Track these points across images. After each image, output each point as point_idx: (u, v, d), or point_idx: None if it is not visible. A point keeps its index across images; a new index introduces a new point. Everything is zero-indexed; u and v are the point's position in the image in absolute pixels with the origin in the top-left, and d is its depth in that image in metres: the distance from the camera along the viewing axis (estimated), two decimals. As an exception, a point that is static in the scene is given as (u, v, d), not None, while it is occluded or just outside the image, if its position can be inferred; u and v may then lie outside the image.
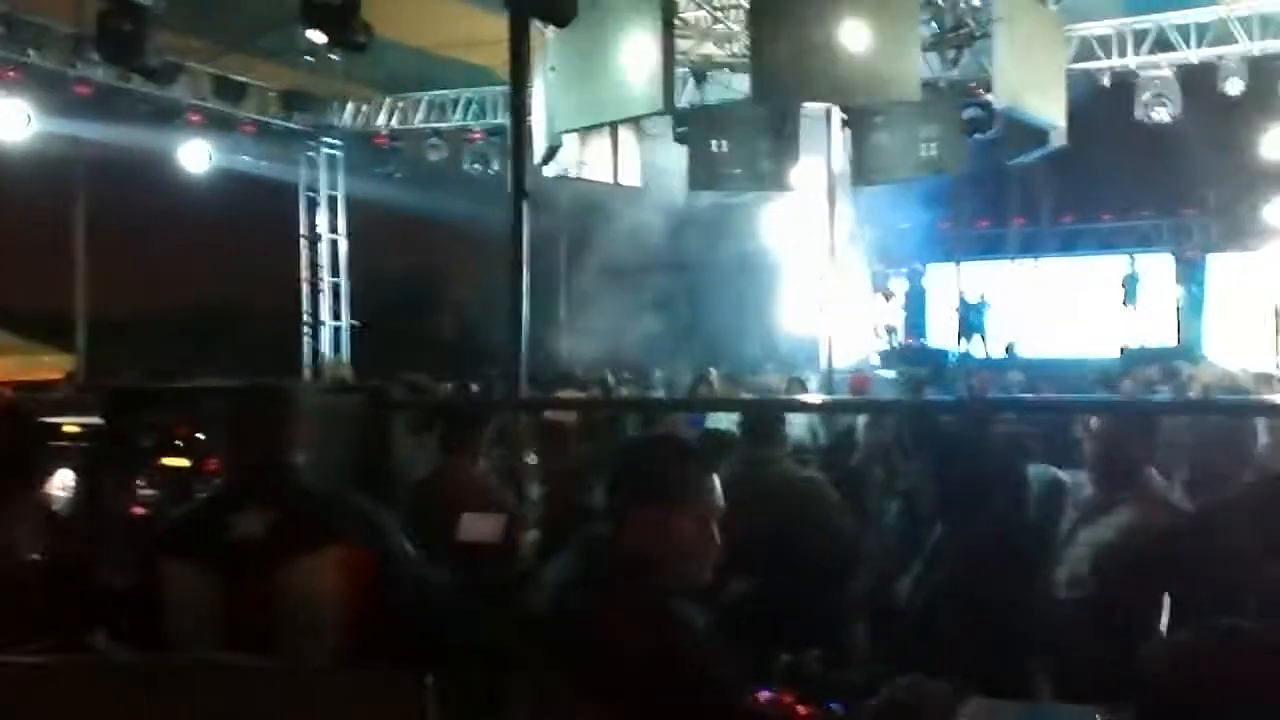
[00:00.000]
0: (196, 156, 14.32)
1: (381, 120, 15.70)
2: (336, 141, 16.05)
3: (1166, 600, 2.79)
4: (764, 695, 3.04)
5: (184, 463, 4.01)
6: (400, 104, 15.59)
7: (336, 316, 16.10)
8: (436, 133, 15.32)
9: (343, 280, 16.18)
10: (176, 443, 4.04)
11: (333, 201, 16.15)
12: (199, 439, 4.02)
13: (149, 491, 3.97)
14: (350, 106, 15.76)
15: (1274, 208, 16.61)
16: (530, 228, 4.91)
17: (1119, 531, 3.33)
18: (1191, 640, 1.70)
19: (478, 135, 14.86)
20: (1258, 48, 12.44)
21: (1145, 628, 2.81)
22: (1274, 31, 12.39)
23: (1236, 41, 12.53)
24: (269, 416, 3.07)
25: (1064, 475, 4.08)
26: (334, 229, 16.16)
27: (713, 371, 15.13)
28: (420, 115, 15.50)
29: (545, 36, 9.83)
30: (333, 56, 14.12)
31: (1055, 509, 4.07)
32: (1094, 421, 3.66)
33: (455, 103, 15.23)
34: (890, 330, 21.75)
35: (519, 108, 5.01)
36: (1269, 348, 18.36)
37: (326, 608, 2.70)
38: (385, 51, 13.09)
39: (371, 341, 16.81)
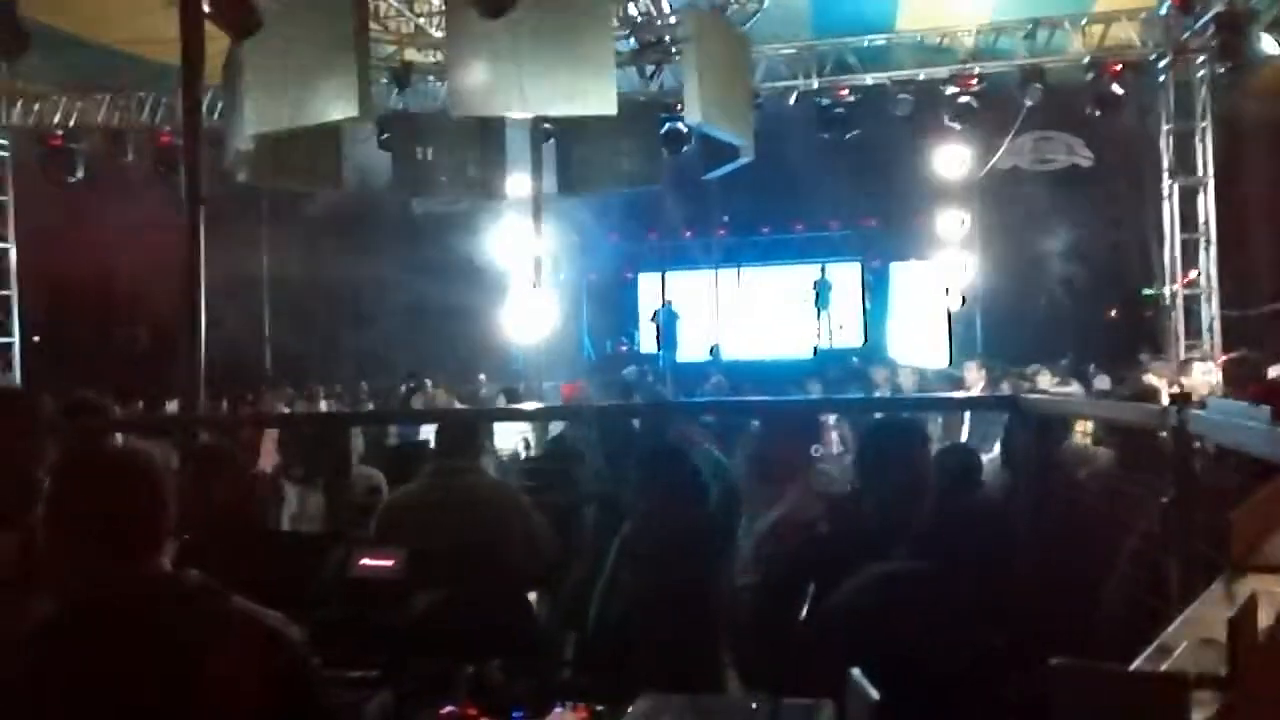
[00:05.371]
0: None
1: (57, 119, 14.51)
2: (2, 141, 14.68)
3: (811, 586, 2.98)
4: (446, 710, 3.03)
5: None
6: (79, 103, 14.45)
7: (6, 332, 14.70)
8: (121, 134, 14.33)
9: (13, 292, 14.80)
10: None
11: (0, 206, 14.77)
12: None
13: None
14: (20, 104, 14.49)
15: (944, 220, 18.12)
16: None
17: (776, 521, 3.56)
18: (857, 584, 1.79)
19: (166, 137, 13.99)
20: (923, 72, 13.58)
21: (796, 610, 3.00)
22: (937, 58, 13.56)
23: (905, 66, 13.64)
24: (13, 425, 2.80)
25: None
26: (1, 237, 14.77)
27: (427, 381, 14.98)
28: (102, 115, 14.43)
29: (234, 35, 9.40)
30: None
31: (732, 506, 4.29)
32: (755, 423, 3.89)
33: (141, 102, 14.29)
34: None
35: (191, 108, 4.74)
36: (942, 347, 20.13)
37: None
38: (62, 47, 12.10)
39: (51, 358, 15.50)
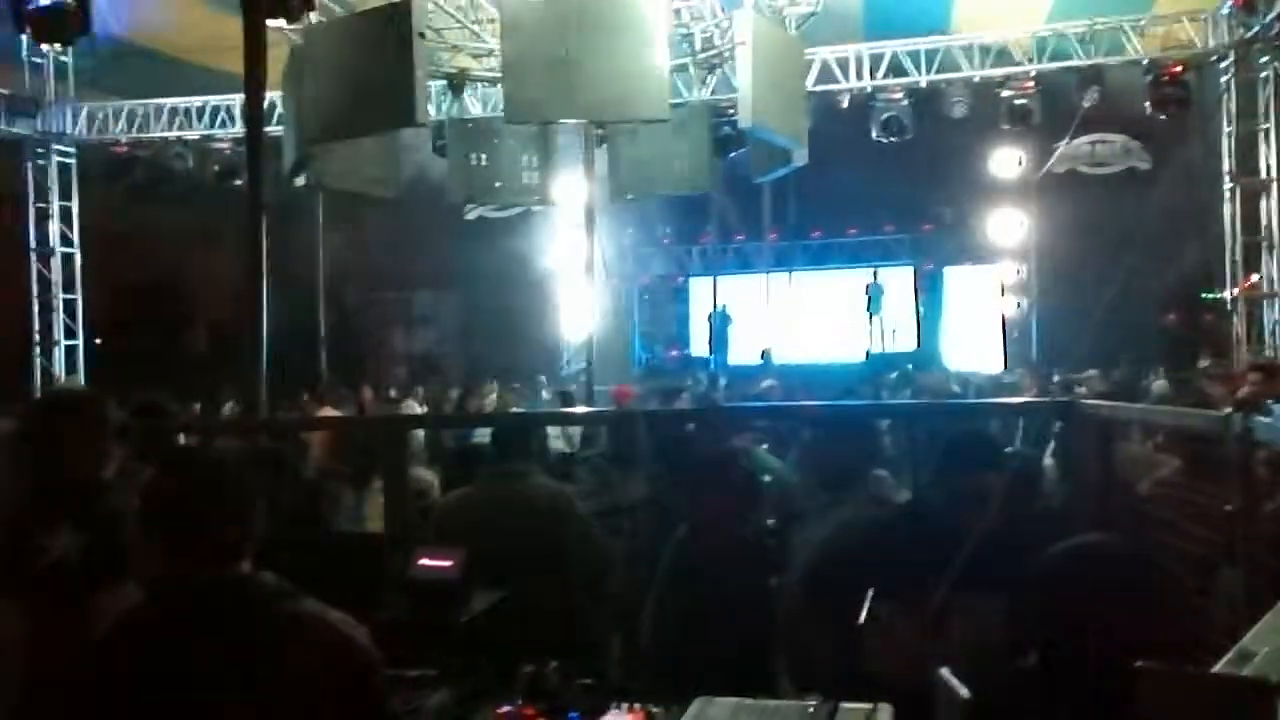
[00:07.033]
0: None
1: (120, 127, 14.82)
2: (69, 149, 15.00)
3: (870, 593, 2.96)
4: (503, 710, 3.05)
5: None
6: (140, 110, 14.75)
7: (71, 335, 15.04)
8: (181, 141, 14.60)
9: (78, 296, 15.13)
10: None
11: (65, 213, 15.07)
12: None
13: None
14: (84, 113, 14.82)
15: (1000, 223, 17.92)
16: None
17: (834, 527, 3.54)
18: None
19: (225, 144, 14.24)
20: (979, 74, 13.44)
21: (854, 616, 2.98)
22: (993, 60, 13.42)
23: (960, 68, 13.51)
24: (80, 428, 2.86)
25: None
26: (67, 242, 15.09)
27: (482, 384, 15.08)
28: (162, 123, 14.71)
29: (292, 43, 9.54)
30: (64, 59, 13.31)
31: (787, 511, 4.27)
32: (811, 427, 3.88)
33: (201, 110, 14.55)
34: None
35: (255, 116, 4.82)
36: (998, 353, 19.91)
37: None
38: (126, 56, 12.34)
39: (113, 360, 15.81)
